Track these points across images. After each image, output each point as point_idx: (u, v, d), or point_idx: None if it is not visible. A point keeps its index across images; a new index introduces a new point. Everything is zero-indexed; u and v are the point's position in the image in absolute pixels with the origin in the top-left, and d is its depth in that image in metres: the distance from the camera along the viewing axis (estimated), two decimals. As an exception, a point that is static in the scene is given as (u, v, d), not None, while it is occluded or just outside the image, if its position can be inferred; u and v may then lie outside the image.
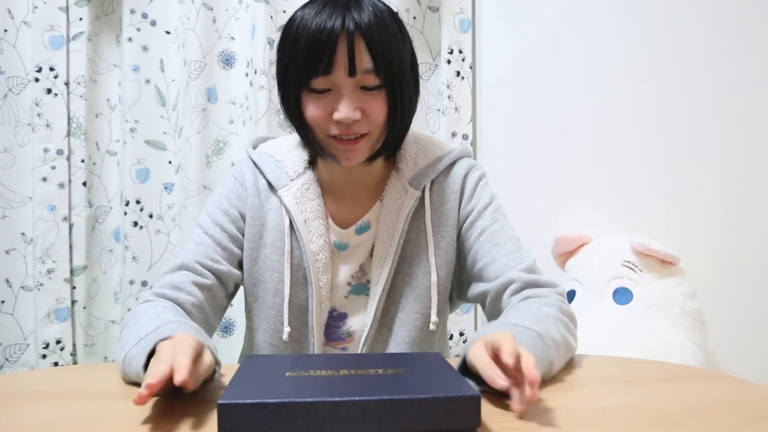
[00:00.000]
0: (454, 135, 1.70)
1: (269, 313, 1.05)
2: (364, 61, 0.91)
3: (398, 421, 0.63)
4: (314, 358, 0.82)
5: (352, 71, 0.90)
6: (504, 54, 1.74)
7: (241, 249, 1.06)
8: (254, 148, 1.12)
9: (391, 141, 1.00)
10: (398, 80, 0.95)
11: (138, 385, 0.81)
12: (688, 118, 1.76)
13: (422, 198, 1.05)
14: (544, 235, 1.68)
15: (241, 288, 1.11)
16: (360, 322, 1.07)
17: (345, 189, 1.06)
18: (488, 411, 0.71)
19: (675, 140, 1.76)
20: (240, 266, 1.07)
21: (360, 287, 1.06)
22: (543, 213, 1.74)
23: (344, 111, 0.91)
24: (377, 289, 1.03)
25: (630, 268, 1.54)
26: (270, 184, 1.05)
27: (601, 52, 1.74)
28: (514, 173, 1.74)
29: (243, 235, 1.06)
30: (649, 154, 1.76)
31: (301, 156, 1.06)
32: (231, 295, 1.08)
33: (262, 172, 1.06)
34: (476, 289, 1.06)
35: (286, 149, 1.08)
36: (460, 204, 1.07)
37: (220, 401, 0.61)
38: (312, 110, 0.94)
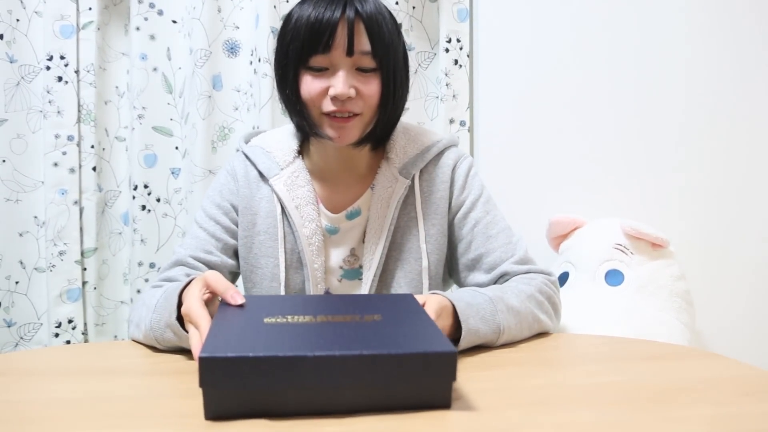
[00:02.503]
0: (452, 122, 1.73)
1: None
2: (363, 42, 0.95)
3: (375, 375, 0.64)
4: (290, 301, 0.84)
5: (350, 51, 0.94)
6: (500, 43, 1.76)
7: (236, 239, 1.10)
8: (247, 142, 1.15)
9: (382, 126, 1.04)
10: (393, 66, 0.99)
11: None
12: (678, 105, 1.78)
13: (412, 186, 1.08)
14: (539, 219, 1.71)
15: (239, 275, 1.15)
16: None
17: (335, 176, 1.10)
18: (478, 387, 0.74)
19: (666, 126, 1.78)
20: (235, 256, 1.11)
21: (353, 272, 1.09)
22: (538, 197, 1.76)
23: (340, 87, 0.95)
24: (369, 274, 1.06)
25: (621, 250, 1.57)
26: (261, 174, 1.09)
27: (595, 40, 1.76)
28: (510, 158, 1.77)
29: (237, 226, 1.10)
30: (640, 141, 1.78)
31: (290, 146, 1.10)
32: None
33: (253, 163, 1.10)
34: (471, 280, 1.09)
35: (276, 141, 1.12)
36: (450, 194, 1.10)
37: (201, 354, 0.62)
38: (308, 86, 0.98)
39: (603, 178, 1.78)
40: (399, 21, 1.02)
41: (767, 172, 1.81)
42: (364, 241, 1.08)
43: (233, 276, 1.14)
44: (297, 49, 0.96)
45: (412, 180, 1.08)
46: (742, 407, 0.68)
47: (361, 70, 0.97)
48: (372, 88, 0.98)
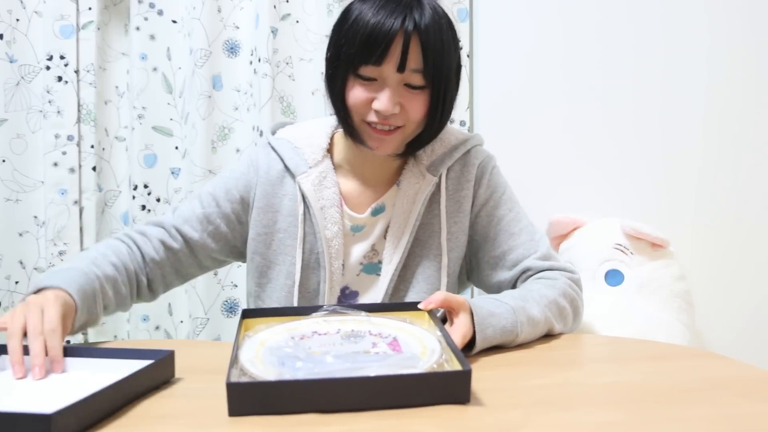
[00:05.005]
0: (451, 122, 1.70)
1: (280, 294, 1.08)
2: (416, 60, 0.94)
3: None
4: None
5: (401, 67, 0.94)
6: (500, 43, 1.76)
7: (230, 228, 1.10)
8: (273, 133, 1.14)
9: (423, 140, 1.03)
10: (443, 85, 0.97)
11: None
12: (678, 106, 1.77)
13: (438, 184, 1.08)
14: (539, 219, 1.69)
15: (245, 268, 1.15)
16: (370, 300, 1.10)
17: (363, 173, 1.10)
18: (481, 387, 0.74)
19: (666, 126, 1.78)
20: (222, 242, 1.11)
21: (371, 266, 1.10)
22: (538, 197, 1.75)
23: (384, 103, 0.95)
24: (390, 268, 1.06)
25: (621, 251, 1.57)
26: (287, 170, 1.08)
27: (594, 40, 1.76)
28: (510, 159, 1.74)
29: (239, 218, 1.10)
30: (641, 141, 1.78)
31: (320, 144, 1.09)
32: (204, 267, 1.13)
33: (281, 158, 1.09)
34: (494, 277, 1.10)
35: (305, 136, 1.11)
36: (474, 192, 1.10)
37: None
38: (355, 94, 0.97)
39: (603, 178, 1.78)
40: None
41: None
42: (385, 237, 1.08)
43: (214, 263, 1.14)
44: (349, 55, 0.95)
45: (439, 178, 1.08)
46: (742, 407, 0.68)
47: (409, 86, 0.96)
48: (417, 105, 0.97)
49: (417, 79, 0.95)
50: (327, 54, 1.02)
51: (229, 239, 1.11)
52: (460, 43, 1.68)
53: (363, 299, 1.11)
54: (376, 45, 0.92)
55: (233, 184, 1.10)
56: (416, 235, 1.07)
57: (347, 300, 1.11)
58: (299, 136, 1.11)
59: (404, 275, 1.08)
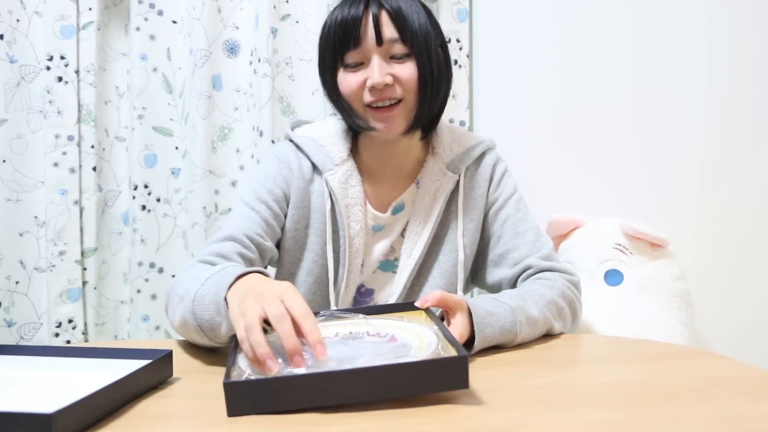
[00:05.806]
0: (451, 122, 1.72)
1: (300, 291, 1.09)
2: (390, 31, 0.99)
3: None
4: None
5: (379, 41, 0.98)
6: (500, 43, 1.76)
7: (281, 228, 1.10)
8: (292, 130, 1.16)
9: (426, 111, 1.05)
10: (425, 49, 1.01)
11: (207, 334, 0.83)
12: (678, 105, 1.77)
13: (456, 181, 1.12)
14: (539, 219, 1.69)
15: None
16: (385, 297, 1.13)
17: (384, 172, 1.12)
18: (481, 387, 0.74)
19: (666, 126, 1.78)
20: (277, 245, 1.11)
21: (388, 264, 1.12)
22: (538, 197, 1.74)
23: (376, 76, 0.99)
24: (410, 262, 1.09)
25: (621, 250, 1.57)
26: (314, 167, 1.10)
27: (595, 40, 1.76)
28: (510, 159, 1.74)
29: (284, 216, 1.10)
30: (640, 140, 1.78)
31: (344, 143, 1.11)
32: None
33: (307, 155, 1.11)
34: (495, 275, 1.12)
35: (329, 134, 1.13)
36: (488, 192, 1.15)
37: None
38: (347, 82, 1.02)
39: (603, 178, 1.78)
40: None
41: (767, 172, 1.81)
42: (402, 235, 1.10)
43: (268, 265, 1.15)
44: (331, 51, 1.01)
45: (459, 175, 1.11)
46: (742, 407, 0.68)
47: (394, 58, 1.00)
48: (408, 70, 1.00)
49: (399, 48, 1.00)
50: (318, 69, 1.07)
51: (280, 240, 1.12)
52: (453, 45, 1.71)
53: (378, 296, 1.13)
54: (349, 29, 0.98)
55: (272, 183, 1.10)
56: (434, 231, 1.10)
57: (363, 297, 1.13)
58: (323, 134, 1.13)
59: (421, 272, 1.11)
